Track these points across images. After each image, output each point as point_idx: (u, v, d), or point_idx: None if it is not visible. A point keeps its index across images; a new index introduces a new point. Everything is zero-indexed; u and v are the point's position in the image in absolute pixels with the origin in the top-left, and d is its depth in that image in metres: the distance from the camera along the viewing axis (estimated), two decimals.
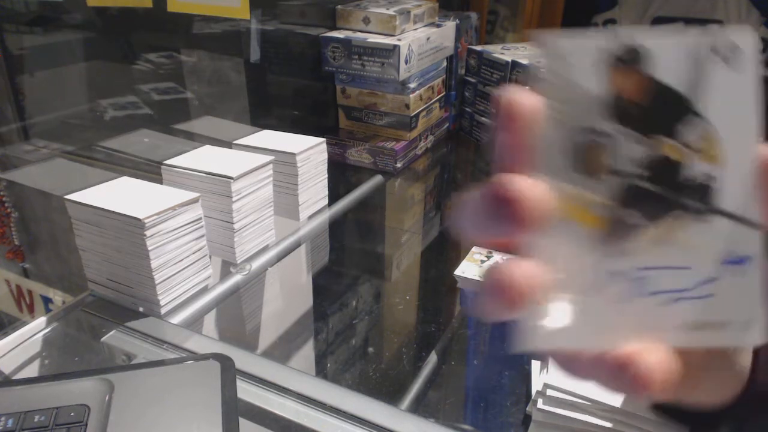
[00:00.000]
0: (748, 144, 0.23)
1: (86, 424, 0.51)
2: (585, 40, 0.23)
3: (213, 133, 1.04)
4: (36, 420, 0.50)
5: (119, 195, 0.71)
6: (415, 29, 1.25)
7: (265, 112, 1.23)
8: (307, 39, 1.24)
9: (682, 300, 0.23)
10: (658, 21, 1.55)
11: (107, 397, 0.54)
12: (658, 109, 0.23)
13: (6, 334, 0.68)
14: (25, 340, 0.68)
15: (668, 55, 0.23)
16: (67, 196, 0.70)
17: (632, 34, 0.23)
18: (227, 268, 0.82)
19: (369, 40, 1.17)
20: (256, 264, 0.82)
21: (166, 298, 0.70)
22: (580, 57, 0.23)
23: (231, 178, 0.75)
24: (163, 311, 0.70)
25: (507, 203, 0.21)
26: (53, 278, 0.90)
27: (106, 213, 0.67)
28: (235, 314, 0.80)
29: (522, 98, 0.22)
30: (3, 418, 0.50)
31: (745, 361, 0.30)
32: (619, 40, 0.22)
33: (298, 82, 1.28)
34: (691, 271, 0.23)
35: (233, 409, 0.54)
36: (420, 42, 1.21)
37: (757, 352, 0.30)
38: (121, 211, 0.66)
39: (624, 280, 0.23)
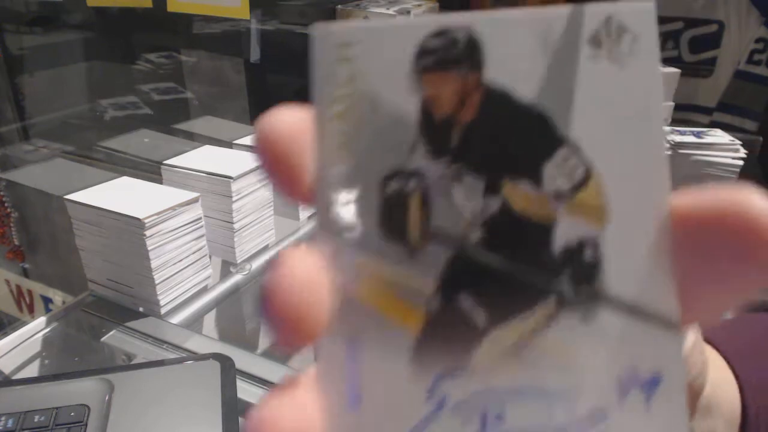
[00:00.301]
0: (653, 187, 0.14)
1: (86, 424, 0.50)
2: (374, 26, 0.15)
3: (213, 133, 1.04)
4: (36, 420, 0.50)
5: (119, 195, 0.71)
6: None
7: (265, 112, 1.22)
8: (307, 39, 1.24)
9: None
10: (658, 20, 1.54)
11: (107, 397, 0.53)
12: (502, 135, 0.15)
13: (6, 334, 0.68)
14: (25, 340, 0.68)
15: (511, 45, 0.15)
16: (67, 196, 0.70)
17: (449, 17, 0.15)
18: (227, 267, 0.82)
19: None
20: (256, 264, 0.82)
21: (165, 298, 0.70)
22: (370, 54, 0.15)
23: (231, 178, 0.75)
24: (163, 311, 0.70)
25: (266, 295, 0.14)
26: (53, 278, 0.90)
27: (106, 213, 0.67)
28: (235, 314, 0.80)
29: (289, 125, 0.15)
30: (3, 418, 0.50)
31: None
32: (430, 26, 0.15)
33: (298, 82, 1.28)
34: (569, 400, 0.15)
35: (233, 409, 0.53)
36: None
37: None
38: (121, 211, 0.66)
39: (462, 415, 0.15)
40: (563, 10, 0.15)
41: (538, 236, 0.15)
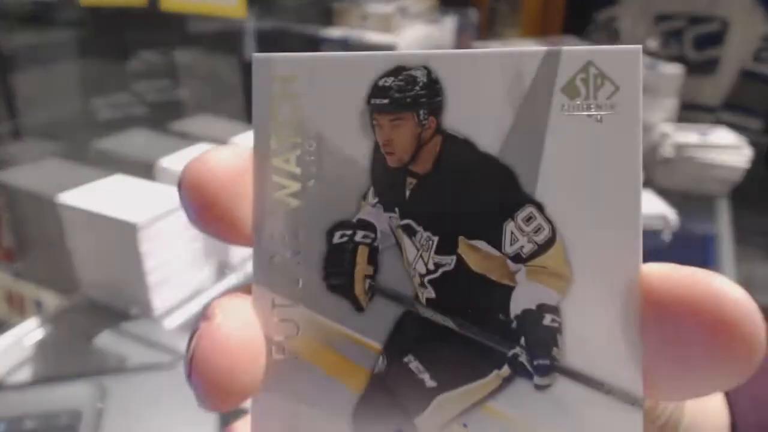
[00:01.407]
0: (622, 256, 0.13)
1: (78, 430, 0.50)
2: (323, 58, 0.14)
3: (208, 132, 1.03)
4: (27, 425, 0.50)
5: (112, 195, 0.70)
6: (414, 26, 1.25)
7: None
8: (304, 37, 1.23)
9: None
10: (661, 18, 1.54)
11: (99, 402, 0.53)
12: (461, 189, 0.14)
13: None
14: (16, 344, 0.67)
15: (475, 88, 0.13)
16: (60, 198, 0.69)
17: (407, 53, 0.14)
18: (222, 269, 0.81)
19: (366, 37, 1.16)
20: (251, 266, 0.81)
21: (159, 301, 0.69)
22: (318, 90, 0.14)
23: None
24: (156, 314, 0.69)
25: (193, 357, 0.13)
26: (45, 280, 0.89)
27: (98, 215, 0.66)
28: None
29: (220, 166, 0.14)
30: None
31: None
32: (386, 61, 0.14)
33: None
34: None
35: (227, 414, 0.53)
36: (419, 39, 1.21)
37: None
38: (114, 214, 0.65)
39: None
40: (536, 50, 0.13)
41: (494, 299, 0.14)
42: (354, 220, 0.14)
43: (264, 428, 0.14)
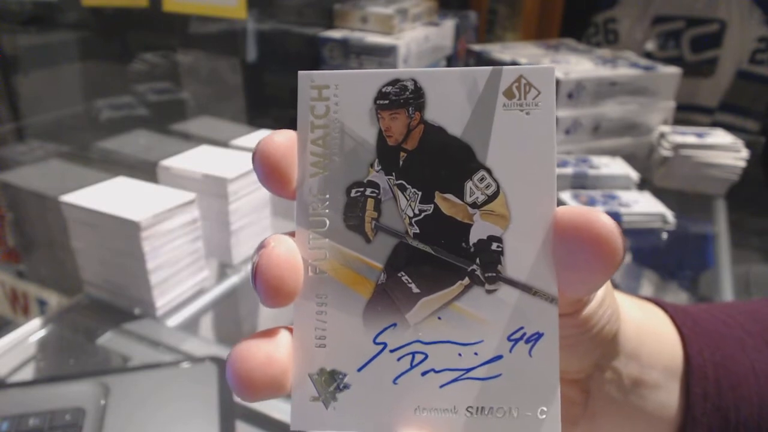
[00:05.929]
0: (542, 203, 0.19)
1: (82, 427, 0.50)
2: (346, 74, 0.20)
3: (209, 134, 1.03)
4: (31, 423, 0.50)
5: (115, 196, 0.70)
6: (414, 28, 1.25)
7: (262, 113, 1.22)
8: (305, 38, 1.23)
9: (465, 380, 0.20)
10: (659, 20, 1.54)
11: (103, 400, 0.53)
12: (436, 160, 0.20)
13: (1, 337, 0.67)
14: (20, 343, 0.68)
15: (446, 93, 0.20)
16: (63, 198, 0.70)
17: (401, 70, 0.20)
18: (224, 269, 0.81)
19: (367, 39, 1.17)
20: (250, 266, 0.81)
21: (162, 300, 0.70)
22: (342, 95, 0.20)
23: (227, 179, 0.75)
24: (159, 313, 0.70)
25: (254, 269, 0.19)
26: (48, 280, 0.90)
27: (101, 215, 0.67)
28: (232, 316, 0.80)
29: (278, 144, 0.20)
30: None
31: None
32: (386, 76, 0.20)
33: (295, 81, 1.27)
34: (475, 348, 0.20)
35: (230, 412, 0.53)
36: (418, 41, 1.21)
37: None
38: (116, 213, 0.65)
39: (397, 356, 0.20)
40: (486, 69, 0.20)
41: (459, 233, 0.20)
42: (365, 181, 0.20)
43: (302, 325, 0.20)
